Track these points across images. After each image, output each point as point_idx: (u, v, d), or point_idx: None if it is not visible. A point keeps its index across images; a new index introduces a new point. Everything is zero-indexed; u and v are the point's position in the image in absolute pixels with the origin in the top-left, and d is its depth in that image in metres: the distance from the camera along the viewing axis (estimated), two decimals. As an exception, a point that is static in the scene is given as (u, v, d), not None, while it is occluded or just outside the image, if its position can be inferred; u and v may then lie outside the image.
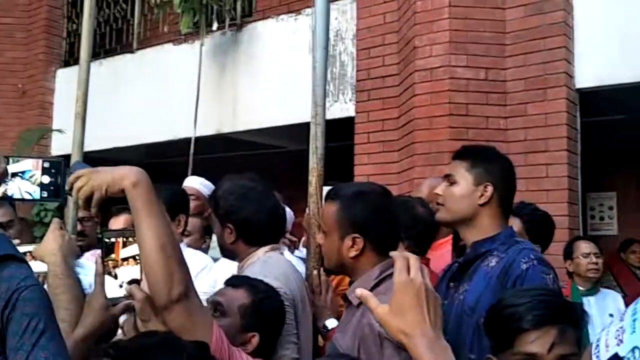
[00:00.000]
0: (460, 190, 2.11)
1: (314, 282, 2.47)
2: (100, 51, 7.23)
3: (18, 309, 1.16)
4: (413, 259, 1.21)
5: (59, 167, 1.53)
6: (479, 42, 4.58)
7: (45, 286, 1.72)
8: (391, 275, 1.87)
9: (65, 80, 7.64)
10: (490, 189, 2.10)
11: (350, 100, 5.42)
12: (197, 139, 5.91)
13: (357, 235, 1.89)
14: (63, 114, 7.50)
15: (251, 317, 1.80)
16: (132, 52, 7.21)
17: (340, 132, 4.75)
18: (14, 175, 1.45)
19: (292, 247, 3.78)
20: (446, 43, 4.58)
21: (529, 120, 4.46)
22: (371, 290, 1.71)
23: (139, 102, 6.88)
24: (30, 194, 1.49)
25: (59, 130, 7.33)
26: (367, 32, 5.31)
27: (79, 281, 1.71)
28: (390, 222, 1.95)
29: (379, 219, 1.90)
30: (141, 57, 7.12)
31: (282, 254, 2.40)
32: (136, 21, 7.31)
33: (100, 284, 1.57)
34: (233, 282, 1.92)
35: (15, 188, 1.46)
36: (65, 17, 8.02)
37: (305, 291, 2.30)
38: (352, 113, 5.36)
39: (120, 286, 1.55)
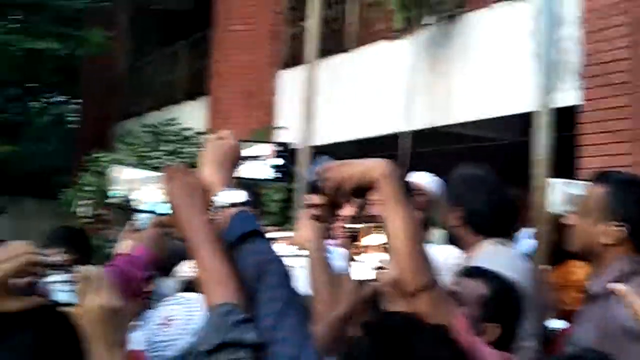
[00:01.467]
0: None
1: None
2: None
3: (264, 281, 1.26)
4: None
5: (290, 151, 1.61)
6: None
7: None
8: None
9: (287, 81, 8.16)
10: None
11: (573, 88, 5.09)
12: (410, 133, 5.97)
13: (619, 223, 1.80)
14: (285, 112, 8.03)
15: (490, 307, 1.78)
16: (347, 51, 7.49)
17: (560, 122, 4.49)
18: (246, 158, 1.53)
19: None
20: (686, 20, 4.12)
21: None
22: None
23: (354, 99, 7.12)
24: (262, 176, 1.57)
25: (284, 128, 7.86)
26: (593, 15, 4.94)
27: (331, 266, 1.84)
28: None
29: None
30: (356, 56, 7.37)
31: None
32: (351, 21, 7.57)
33: (349, 268, 1.66)
34: (469, 272, 1.91)
35: (248, 170, 1.55)
36: (287, 22, 8.54)
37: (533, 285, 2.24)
38: (574, 102, 5.03)
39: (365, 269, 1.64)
